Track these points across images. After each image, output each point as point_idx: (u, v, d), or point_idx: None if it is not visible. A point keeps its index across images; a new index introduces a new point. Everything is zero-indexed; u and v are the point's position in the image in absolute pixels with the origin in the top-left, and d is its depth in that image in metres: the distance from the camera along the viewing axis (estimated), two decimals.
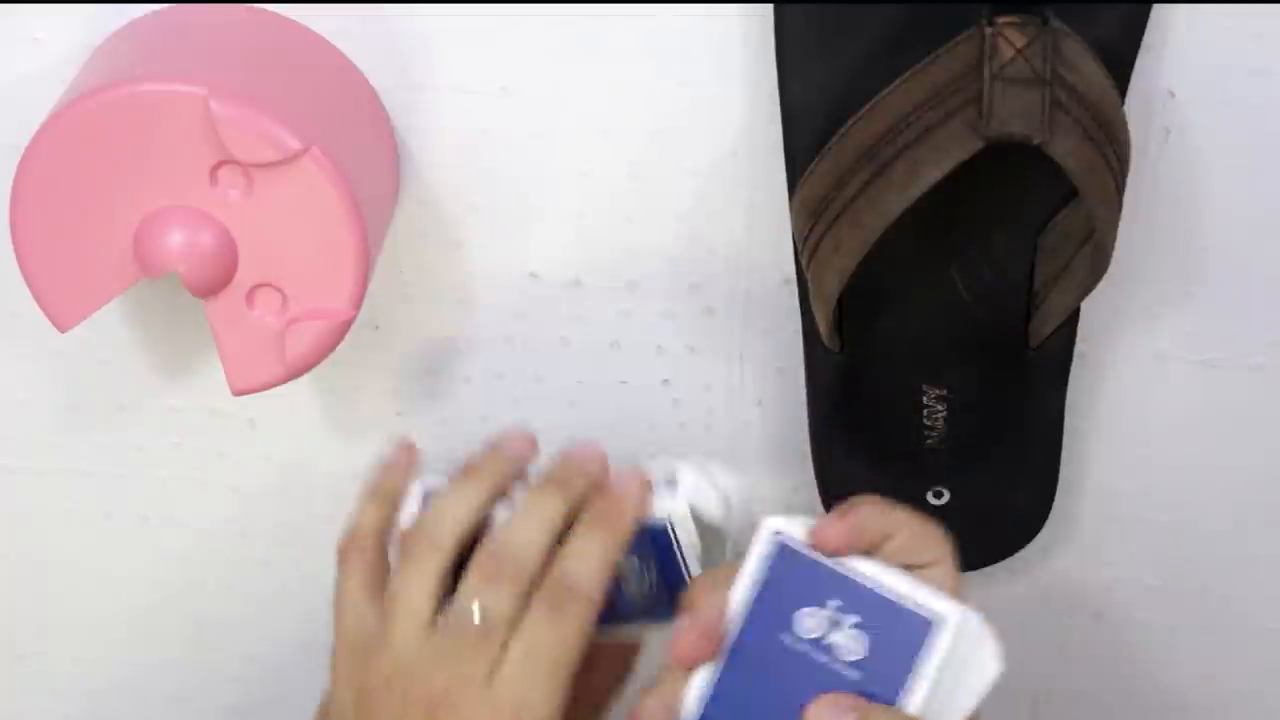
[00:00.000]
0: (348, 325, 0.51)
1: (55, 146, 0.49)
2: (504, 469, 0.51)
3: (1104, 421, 0.61)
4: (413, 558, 0.49)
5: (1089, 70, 0.49)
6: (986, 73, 0.47)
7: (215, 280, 0.50)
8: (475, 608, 0.48)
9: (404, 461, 0.53)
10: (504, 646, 0.48)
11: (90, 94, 0.48)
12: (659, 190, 0.56)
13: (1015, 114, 0.47)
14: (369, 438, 0.63)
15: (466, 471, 0.51)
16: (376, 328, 0.60)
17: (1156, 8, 0.51)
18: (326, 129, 0.50)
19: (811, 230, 0.51)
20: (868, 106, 0.49)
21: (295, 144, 0.48)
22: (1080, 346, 0.58)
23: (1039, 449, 0.59)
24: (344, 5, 0.52)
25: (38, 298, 0.51)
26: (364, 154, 0.53)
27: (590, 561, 0.49)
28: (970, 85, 0.48)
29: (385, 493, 0.52)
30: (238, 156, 0.48)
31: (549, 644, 0.48)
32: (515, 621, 0.48)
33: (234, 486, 0.64)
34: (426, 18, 0.53)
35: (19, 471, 0.64)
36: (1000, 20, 0.47)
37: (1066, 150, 0.48)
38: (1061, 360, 0.57)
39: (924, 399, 0.57)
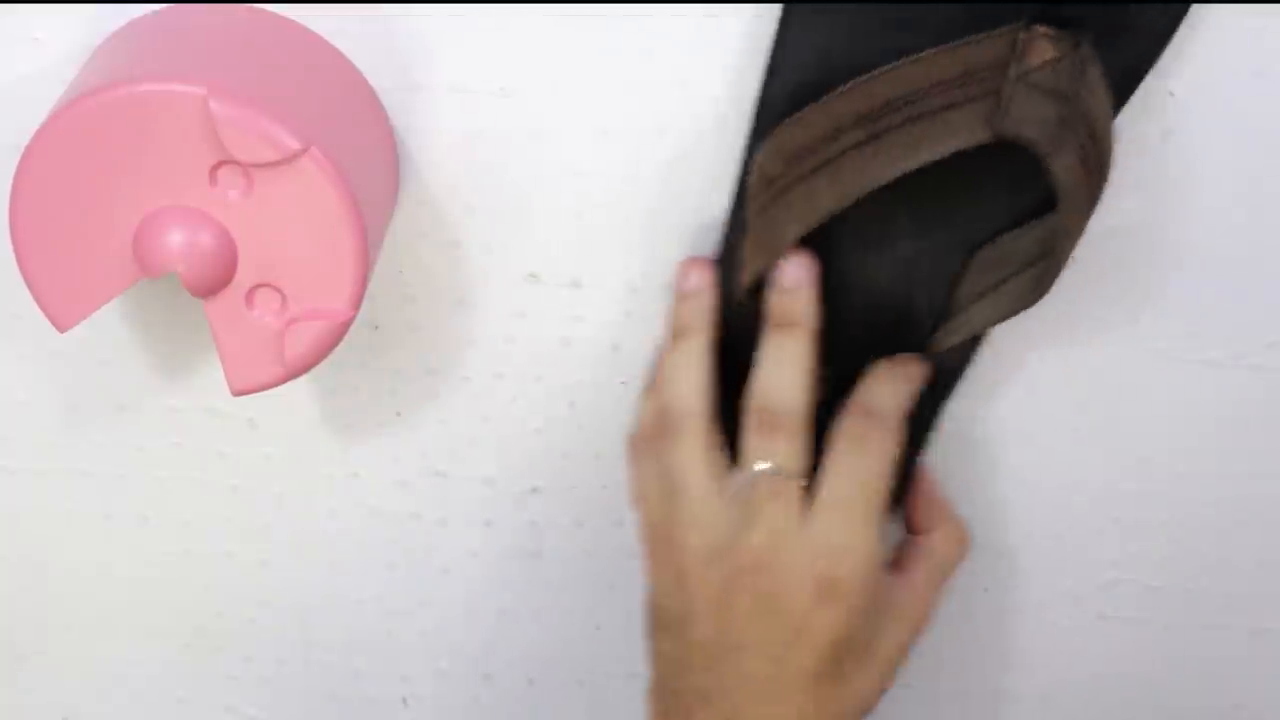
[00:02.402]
0: (347, 325, 0.51)
1: (55, 146, 0.49)
2: (709, 312, 0.51)
3: (1104, 421, 0.61)
4: (677, 435, 0.50)
5: (1101, 98, 0.49)
6: (1013, 72, 0.48)
7: (215, 280, 0.50)
8: (767, 466, 0.49)
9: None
10: (806, 490, 0.49)
11: (90, 94, 0.48)
12: (659, 190, 0.56)
13: (1030, 119, 0.48)
14: (369, 438, 0.63)
15: (678, 330, 0.51)
16: (376, 328, 0.60)
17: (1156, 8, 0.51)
18: (326, 129, 0.50)
19: (781, 175, 0.51)
20: (882, 70, 0.49)
21: (295, 144, 0.48)
22: (1081, 347, 0.58)
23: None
24: (344, 5, 0.52)
25: (37, 298, 0.51)
26: (364, 154, 0.53)
27: (888, 394, 0.50)
28: (994, 79, 0.48)
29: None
30: (237, 156, 0.48)
31: (860, 475, 0.49)
32: (805, 465, 0.49)
33: (234, 486, 0.64)
34: (426, 17, 0.53)
35: (19, 471, 0.64)
36: (1039, 28, 0.48)
37: (1065, 167, 0.48)
38: (952, 372, 0.57)
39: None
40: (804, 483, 0.49)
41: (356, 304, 0.51)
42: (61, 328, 0.51)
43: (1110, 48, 0.50)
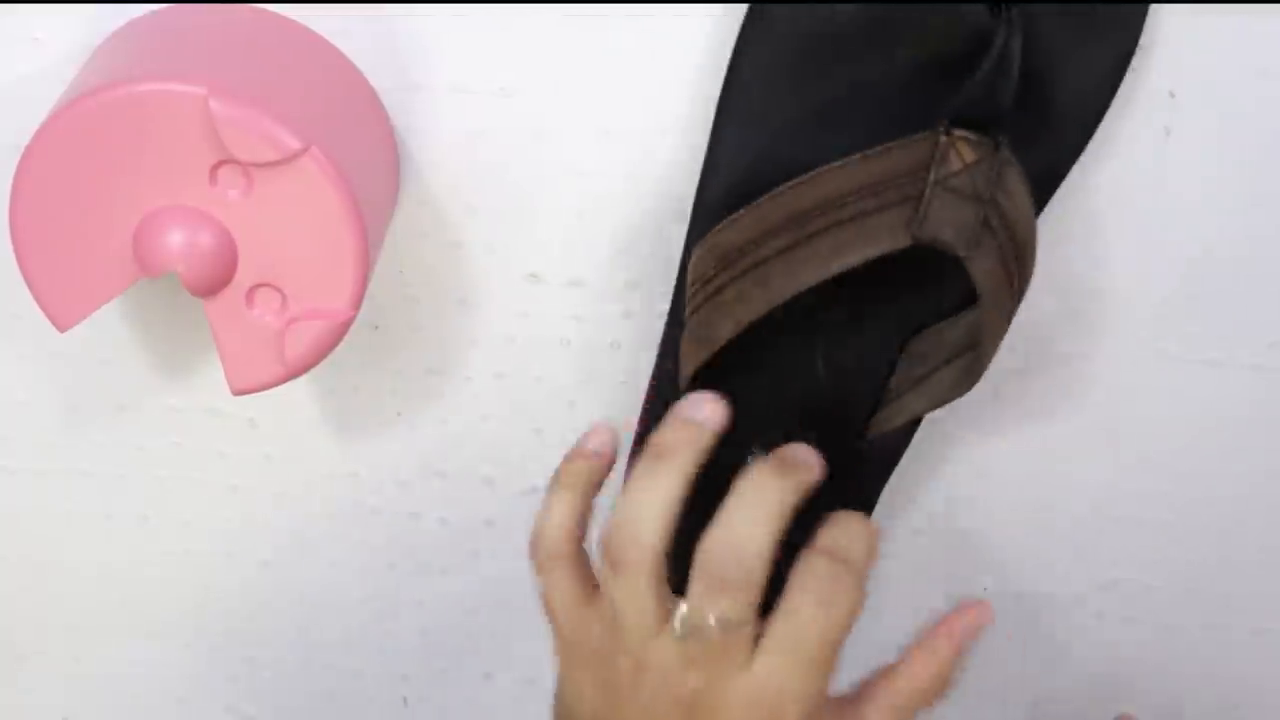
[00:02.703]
0: (348, 325, 0.51)
1: (55, 146, 0.49)
2: (698, 443, 0.47)
3: (1104, 421, 0.61)
4: (624, 570, 0.46)
5: (1020, 199, 0.50)
6: (932, 177, 0.49)
7: (215, 280, 0.50)
8: (712, 621, 0.46)
9: (593, 447, 0.49)
10: (754, 639, 0.46)
11: (90, 94, 0.48)
12: (659, 190, 0.56)
13: (948, 223, 0.49)
14: (369, 438, 0.63)
15: (656, 451, 0.47)
16: (376, 328, 0.60)
17: (1156, 8, 0.51)
18: (326, 129, 0.50)
19: (715, 276, 0.52)
20: (810, 174, 0.50)
21: (295, 144, 0.48)
22: (1081, 346, 0.58)
23: None
24: (344, 5, 0.52)
25: (38, 298, 0.51)
26: (364, 154, 0.53)
27: (857, 539, 0.46)
28: (914, 184, 0.49)
29: (573, 484, 0.49)
30: (238, 156, 0.48)
31: (816, 626, 0.46)
32: (753, 621, 0.46)
33: (234, 486, 0.64)
34: (426, 17, 0.53)
35: (19, 472, 0.64)
36: (957, 133, 0.49)
37: (984, 270, 0.49)
38: (890, 458, 0.58)
39: (747, 461, 0.56)
40: (754, 630, 0.46)
41: (357, 304, 0.51)
42: (61, 328, 0.51)
43: (1031, 146, 0.51)
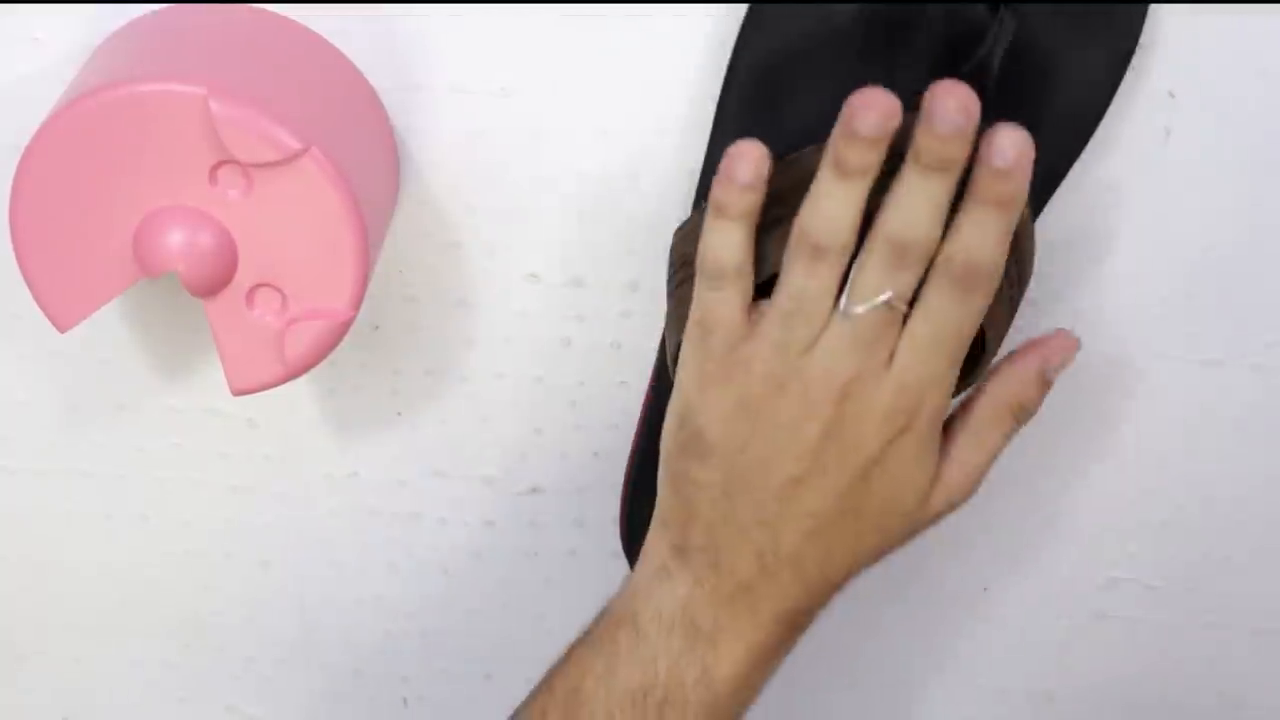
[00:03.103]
0: (348, 325, 0.51)
1: (55, 146, 0.49)
2: (873, 152, 0.48)
3: (1104, 421, 0.61)
4: (821, 255, 0.48)
5: None
6: None
7: (215, 280, 0.50)
8: (886, 296, 0.48)
9: (747, 180, 0.49)
10: (903, 328, 0.49)
11: (90, 94, 0.48)
12: (659, 190, 0.56)
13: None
14: (369, 438, 0.63)
15: (836, 163, 0.48)
16: (376, 328, 0.60)
17: (1156, 8, 0.51)
18: (326, 129, 0.50)
19: (695, 257, 0.51)
20: (793, 155, 0.50)
21: (295, 144, 0.48)
22: (1080, 346, 0.58)
23: None
24: (344, 5, 0.52)
25: (38, 298, 0.51)
26: (364, 154, 0.53)
27: (989, 239, 0.48)
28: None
29: (738, 215, 0.49)
30: (238, 156, 0.48)
31: (954, 323, 0.49)
32: (913, 302, 0.49)
33: (234, 486, 0.64)
34: (426, 17, 0.53)
35: (19, 471, 0.64)
36: None
37: None
38: None
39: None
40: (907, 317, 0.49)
41: (357, 304, 0.51)
42: (61, 328, 0.51)
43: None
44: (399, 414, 0.62)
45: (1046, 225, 0.54)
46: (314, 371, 0.53)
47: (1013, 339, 0.57)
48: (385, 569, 0.66)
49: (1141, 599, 0.65)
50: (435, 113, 0.54)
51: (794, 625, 0.53)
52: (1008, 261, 0.50)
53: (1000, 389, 0.53)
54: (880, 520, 0.52)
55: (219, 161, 0.48)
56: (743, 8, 0.52)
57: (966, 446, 0.53)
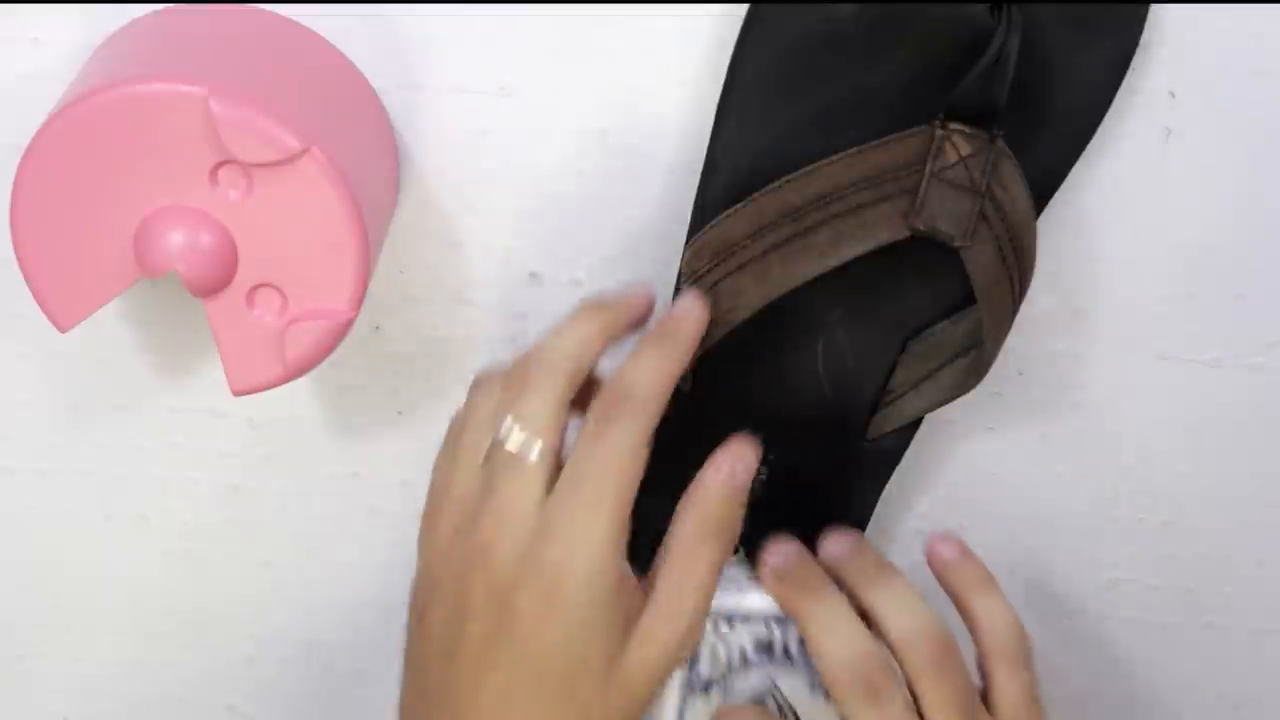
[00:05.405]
0: (348, 325, 0.51)
1: (55, 146, 0.49)
2: (622, 314, 0.48)
3: (1104, 421, 0.61)
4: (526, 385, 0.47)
5: (1018, 194, 0.51)
6: (929, 169, 0.50)
7: (215, 280, 0.50)
8: (506, 423, 0.46)
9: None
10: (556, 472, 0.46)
11: (90, 94, 0.48)
12: (659, 190, 0.56)
13: (945, 213, 0.50)
14: (369, 438, 0.63)
15: (584, 308, 0.48)
16: (376, 328, 0.60)
17: (1156, 8, 0.52)
18: (326, 129, 0.50)
19: (710, 271, 0.52)
20: (806, 169, 0.51)
21: (295, 144, 0.48)
22: (1080, 346, 0.58)
23: None
24: (344, 5, 0.52)
25: (38, 298, 0.51)
26: (364, 154, 0.53)
27: (644, 370, 0.47)
28: (910, 177, 0.50)
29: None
30: (238, 156, 0.48)
31: (598, 456, 0.46)
32: (553, 430, 0.46)
33: (234, 486, 0.64)
34: (426, 18, 0.53)
35: (19, 471, 0.64)
36: (952, 126, 0.50)
37: (981, 263, 0.50)
38: (891, 458, 0.58)
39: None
40: (537, 457, 0.46)
41: (357, 304, 0.51)
42: (62, 328, 0.51)
43: (1031, 146, 0.51)
44: (399, 414, 0.62)
45: (1047, 225, 0.54)
46: (314, 371, 0.53)
47: (1018, 340, 0.58)
48: (385, 569, 0.66)
49: (1141, 599, 0.65)
50: (436, 112, 0.54)
51: None
52: (1011, 271, 0.50)
53: (689, 512, 0.48)
54: (567, 693, 0.46)
55: (219, 161, 0.48)
56: (743, 8, 0.52)
57: (670, 583, 0.48)
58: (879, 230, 0.50)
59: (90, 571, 0.67)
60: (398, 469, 0.63)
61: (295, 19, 0.52)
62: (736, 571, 0.53)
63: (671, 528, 0.49)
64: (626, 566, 0.47)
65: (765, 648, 0.53)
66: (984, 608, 0.52)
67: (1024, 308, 0.56)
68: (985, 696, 0.51)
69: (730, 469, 0.48)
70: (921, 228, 0.50)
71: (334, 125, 0.51)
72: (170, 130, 0.48)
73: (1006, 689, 0.51)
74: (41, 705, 0.72)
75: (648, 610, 0.47)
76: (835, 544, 0.53)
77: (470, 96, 0.54)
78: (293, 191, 0.49)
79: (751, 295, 0.52)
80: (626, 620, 0.47)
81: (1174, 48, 0.52)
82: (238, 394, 0.52)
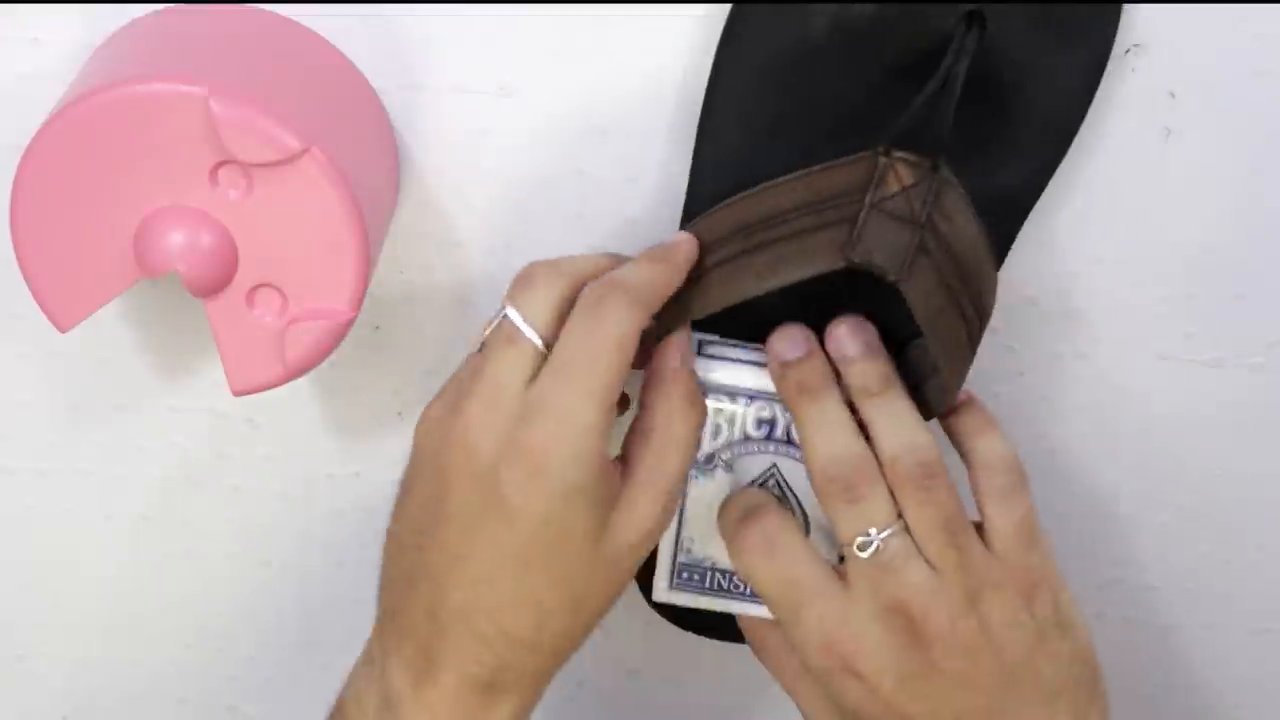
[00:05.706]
0: (348, 325, 0.51)
1: (55, 146, 0.49)
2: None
3: (1104, 421, 0.61)
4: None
5: (963, 222, 0.50)
6: (868, 199, 0.49)
7: (215, 280, 0.50)
8: (510, 312, 0.48)
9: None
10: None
11: (90, 94, 0.48)
12: (658, 190, 0.56)
13: (881, 246, 0.49)
14: (369, 438, 0.63)
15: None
16: (376, 328, 0.60)
17: (1156, 8, 0.51)
18: (326, 129, 0.50)
19: None
20: (758, 188, 0.50)
21: (295, 144, 0.48)
22: (1080, 347, 0.58)
23: None
24: (344, 5, 0.52)
25: (38, 298, 0.51)
26: (364, 154, 0.53)
27: (638, 269, 0.48)
28: (850, 205, 0.49)
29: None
30: (238, 156, 0.48)
31: (583, 342, 0.47)
32: (549, 324, 0.48)
33: (234, 486, 0.64)
34: (426, 18, 0.53)
35: (19, 471, 0.64)
36: (896, 154, 0.49)
37: (919, 293, 0.49)
38: None
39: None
40: (539, 342, 0.48)
41: (357, 304, 0.51)
42: (62, 328, 0.51)
43: (1007, 159, 0.51)
44: (399, 414, 0.62)
45: (1047, 225, 0.55)
46: (314, 371, 0.53)
47: (1018, 339, 0.58)
48: None
49: (1141, 599, 0.65)
50: (436, 112, 0.54)
51: (488, 692, 0.49)
52: (959, 299, 0.50)
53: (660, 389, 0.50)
54: (553, 566, 0.48)
55: (219, 161, 0.48)
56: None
57: (650, 453, 0.49)
58: (817, 259, 0.49)
59: (90, 571, 0.67)
60: (398, 469, 0.63)
61: (295, 19, 0.52)
62: (742, 350, 0.54)
63: (644, 401, 0.50)
64: (608, 450, 0.48)
65: (767, 425, 0.53)
66: (982, 446, 0.52)
67: (1024, 308, 0.57)
68: (981, 531, 0.52)
69: (677, 361, 0.50)
70: (857, 260, 0.48)
71: (334, 125, 0.51)
72: (170, 130, 0.48)
73: (997, 520, 0.51)
74: (41, 705, 0.72)
75: (628, 483, 0.49)
76: (846, 341, 0.52)
77: (470, 96, 0.54)
78: (293, 191, 0.49)
79: (691, 307, 0.51)
80: (610, 497, 0.48)
81: (1174, 48, 0.52)
82: (238, 394, 0.52)
